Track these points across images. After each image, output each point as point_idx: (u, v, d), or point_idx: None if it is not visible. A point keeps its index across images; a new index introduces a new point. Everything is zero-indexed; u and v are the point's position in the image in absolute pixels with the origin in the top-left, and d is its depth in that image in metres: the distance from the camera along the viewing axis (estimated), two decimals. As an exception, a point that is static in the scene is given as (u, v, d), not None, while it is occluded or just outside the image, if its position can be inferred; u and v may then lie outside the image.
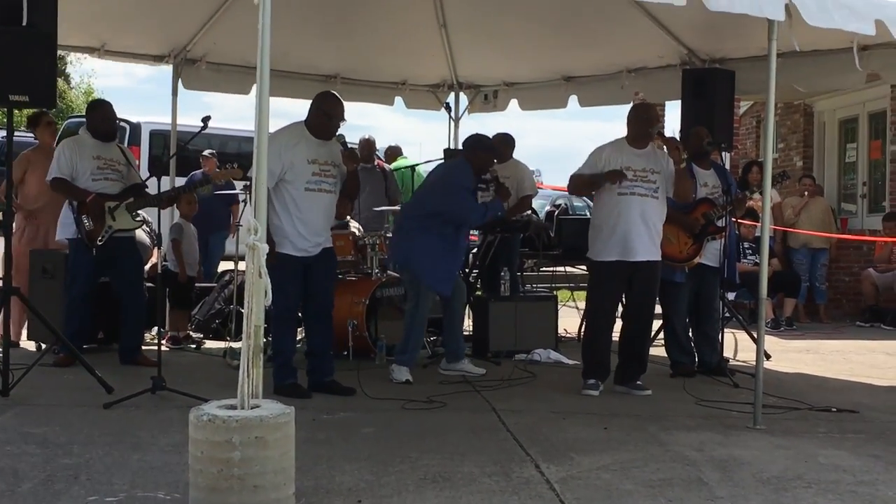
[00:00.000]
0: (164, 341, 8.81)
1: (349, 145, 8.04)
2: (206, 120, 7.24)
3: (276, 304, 6.62)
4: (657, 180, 7.78)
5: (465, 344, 8.91)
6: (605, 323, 7.96)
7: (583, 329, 8.74)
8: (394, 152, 14.38)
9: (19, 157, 9.10)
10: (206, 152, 13.16)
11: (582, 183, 7.96)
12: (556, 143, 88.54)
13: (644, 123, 7.86)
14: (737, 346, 9.63)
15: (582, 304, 11.04)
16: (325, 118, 7.50)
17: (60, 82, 34.87)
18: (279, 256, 6.92)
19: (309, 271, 7.40)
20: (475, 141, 8.49)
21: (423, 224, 8.24)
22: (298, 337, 8.10)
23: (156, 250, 9.30)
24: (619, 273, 7.77)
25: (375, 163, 12.65)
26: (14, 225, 8.52)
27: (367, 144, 12.78)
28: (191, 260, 9.97)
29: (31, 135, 9.81)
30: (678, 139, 8.66)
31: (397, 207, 11.25)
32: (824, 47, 8.60)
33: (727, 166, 10.27)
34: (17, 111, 8.03)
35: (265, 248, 4.55)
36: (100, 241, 8.18)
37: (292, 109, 63.13)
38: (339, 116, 7.59)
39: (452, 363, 8.58)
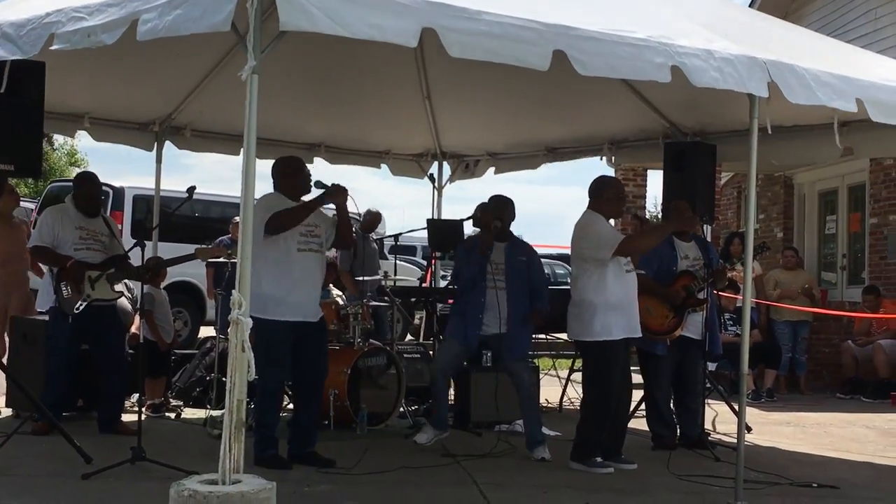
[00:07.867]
0: (144, 409, 8.73)
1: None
2: (191, 190, 7.28)
3: (265, 376, 6.49)
4: None
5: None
6: (613, 403, 7.74)
7: (584, 408, 8.16)
8: (373, 219, 13.41)
9: None
10: (235, 219, 13.10)
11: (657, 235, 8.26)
12: (536, 207, 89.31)
13: (621, 202, 8.03)
14: (716, 418, 9.62)
15: (562, 373, 11.12)
16: (295, 172, 7.48)
17: (44, 144, 34.83)
18: (271, 324, 6.92)
19: (301, 341, 7.29)
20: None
21: None
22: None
23: (137, 316, 9.25)
24: (625, 351, 7.79)
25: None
26: None
27: (375, 218, 13.28)
28: (167, 326, 9.93)
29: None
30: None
31: (379, 277, 11.27)
32: (803, 123, 8.69)
33: (709, 237, 10.32)
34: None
35: (249, 322, 4.55)
36: (76, 309, 8.06)
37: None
38: (306, 168, 7.63)
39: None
